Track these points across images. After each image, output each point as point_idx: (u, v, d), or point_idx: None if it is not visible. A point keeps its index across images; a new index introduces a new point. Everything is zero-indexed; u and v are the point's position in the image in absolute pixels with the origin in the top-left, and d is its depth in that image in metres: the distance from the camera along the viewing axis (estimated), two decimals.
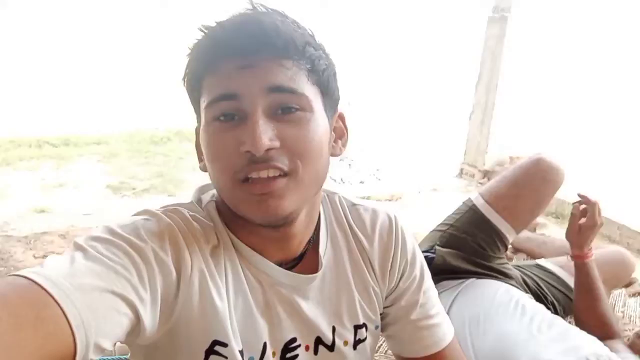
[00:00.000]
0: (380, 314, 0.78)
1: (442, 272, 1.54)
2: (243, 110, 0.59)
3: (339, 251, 0.74)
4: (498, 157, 4.09)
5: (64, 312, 0.47)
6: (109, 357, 1.26)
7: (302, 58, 0.61)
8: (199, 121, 0.67)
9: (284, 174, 0.60)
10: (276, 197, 0.60)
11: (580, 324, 1.51)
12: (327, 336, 0.71)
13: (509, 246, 1.91)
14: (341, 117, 0.72)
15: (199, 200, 0.71)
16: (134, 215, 0.64)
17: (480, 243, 1.56)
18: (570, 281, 1.62)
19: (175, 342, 0.62)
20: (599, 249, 1.68)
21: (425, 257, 1.54)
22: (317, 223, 0.73)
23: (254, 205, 0.61)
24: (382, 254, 0.76)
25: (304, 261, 0.71)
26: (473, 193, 1.68)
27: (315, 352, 0.71)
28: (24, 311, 0.45)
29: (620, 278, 1.82)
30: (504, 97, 3.73)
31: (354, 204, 0.79)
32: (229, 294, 0.64)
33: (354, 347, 0.74)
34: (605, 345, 1.41)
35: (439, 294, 1.49)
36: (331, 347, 0.72)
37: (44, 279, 0.48)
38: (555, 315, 1.42)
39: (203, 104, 0.63)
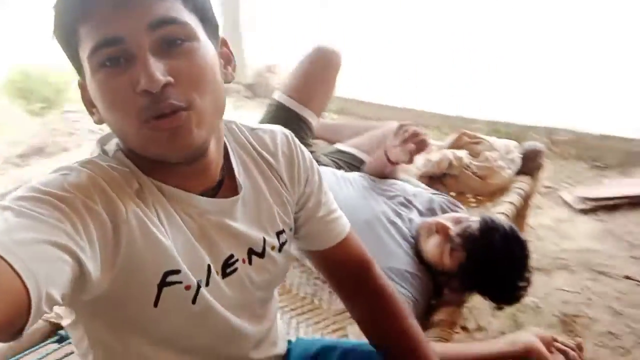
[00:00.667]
0: (293, 219, 0.88)
1: None
2: (128, 52, 0.59)
3: (250, 172, 0.79)
4: (256, 69, 4.33)
5: (10, 265, 0.46)
6: None
7: None
8: (81, 74, 0.65)
9: (184, 109, 0.61)
10: (184, 130, 0.61)
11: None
12: (259, 245, 0.78)
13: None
14: (224, 43, 0.73)
15: (104, 152, 0.70)
16: (52, 172, 0.62)
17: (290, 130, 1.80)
18: (362, 156, 1.95)
19: (124, 288, 0.62)
20: (379, 130, 2.04)
21: None
22: (225, 152, 0.77)
23: (164, 144, 0.61)
24: (287, 166, 0.83)
25: (223, 188, 0.75)
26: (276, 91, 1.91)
27: (250, 262, 0.77)
28: None
29: None
30: (250, 12, 3.88)
31: (252, 129, 0.83)
32: (167, 230, 0.66)
33: (279, 251, 0.82)
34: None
35: None
36: (261, 255, 0.79)
37: None
38: (365, 176, 1.75)
39: (84, 54, 0.60)
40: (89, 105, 0.67)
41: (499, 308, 1.34)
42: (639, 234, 2.26)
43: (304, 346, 0.99)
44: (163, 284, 0.65)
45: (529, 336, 1.15)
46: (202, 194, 0.71)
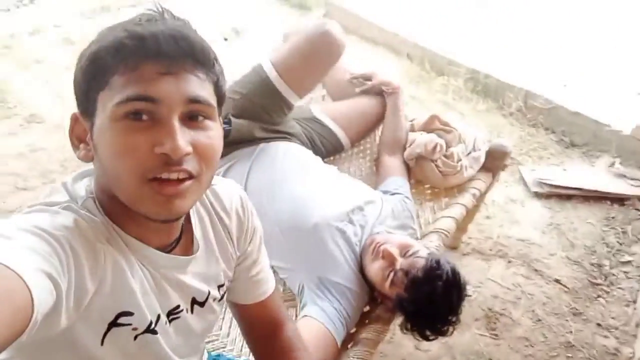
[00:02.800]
0: None
1: (237, 142, 1.63)
2: (157, 113, 0.62)
3: (205, 229, 0.84)
4: None
5: (27, 285, 0.50)
6: None
7: (211, 72, 0.67)
8: (85, 110, 0.66)
9: (190, 177, 0.65)
10: (181, 197, 0.65)
11: (383, 143, 1.88)
12: (202, 297, 0.84)
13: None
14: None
15: (72, 197, 0.71)
16: (37, 210, 0.65)
17: (270, 112, 1.66)
18: (338, 131, 1.88)
19: (77, 326, 0.65)
20: (361, 101, 1.93)
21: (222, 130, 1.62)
22: None
23: (158, 205, 0.65)
24: (238, 226, 0.89)
25: (180, 244, 0.78)
26: (264, 59, 1.69)
27: (192, 311, 0.83)
28: None
29: (380, 124, 2.08)
30: None
31: (212, 185, 0.84)
32: (130, 278, 0.70)
33: (219, 300, 0.88)
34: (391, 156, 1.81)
35: (234, 163, 1.62)
36: (202, 304, 0.84)
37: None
38: (330, 169, 1.69)
39: (109, 100, 0.62)
40: (76, 140, 0.70)
41: (424, 338, 1.37)
42: (581, 233, 2.31)
43: None
44: (114, 324, 0.68)
45: None
46: (161, 248, 0.75)
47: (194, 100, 0.64)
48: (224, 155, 1.63)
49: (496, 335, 1.88)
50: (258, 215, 1.50)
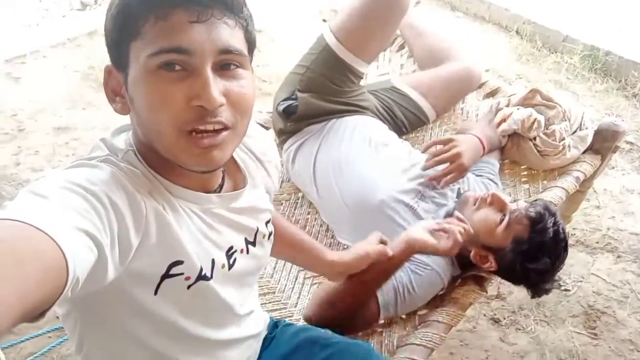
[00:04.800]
0: None
1: (306, 117, 1.58)
2: (190, 64, 0.62)
3: (247, 167, 0.85)
4: None
5: (58, 245, 0.48)
6: None
7: (241, 17, 0.66)
8: (118, 61, 0.66)
9: (226, 127, 0.65)
10: (218, 149, 0.66)
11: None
12: (252, 235, 0.85)
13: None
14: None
15: (112, 151, 0.70)
16: (74, 166, 0.65)
17: (336, 82, 1.57)
18: (421, 101, 1.75)
19: (128, 279, 0.65)
20: (445, 68, 1.77)
21: (289, 106, 1.57)
22: None
23: (196, 157, 0.65)
24: (272, 167, 0.91)
25: (224, 186, 0.80)
26: (325, 27, 1.60)
27: (247, 252, 0.84)
28: (22, 244, 0.46)
29: (467, 92, 1.90)
30: None
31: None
32: (177, 224, 0.70)
33: (268, 238, 0.90)
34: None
35: (305, 140, 1.57)
36: (254, 243, 0.86)
37: (28, 218, 0.49)
38: (403, 145, 1.58)
39: (143, 51, 0.62)
40: (112, 92, 0.69)
41: (534, 295, 1.31)
42: None
43: (289, 334, 1.05)
44: (166, 275, 0.69)
45: (406, 231, 1.19)
46: (208, 191, 0.76)
47: (226, 51, 0.63)
48: (295, 131, 1.62)
49: (595, 334, 1.70)
50: (326, 193, 1.48)
